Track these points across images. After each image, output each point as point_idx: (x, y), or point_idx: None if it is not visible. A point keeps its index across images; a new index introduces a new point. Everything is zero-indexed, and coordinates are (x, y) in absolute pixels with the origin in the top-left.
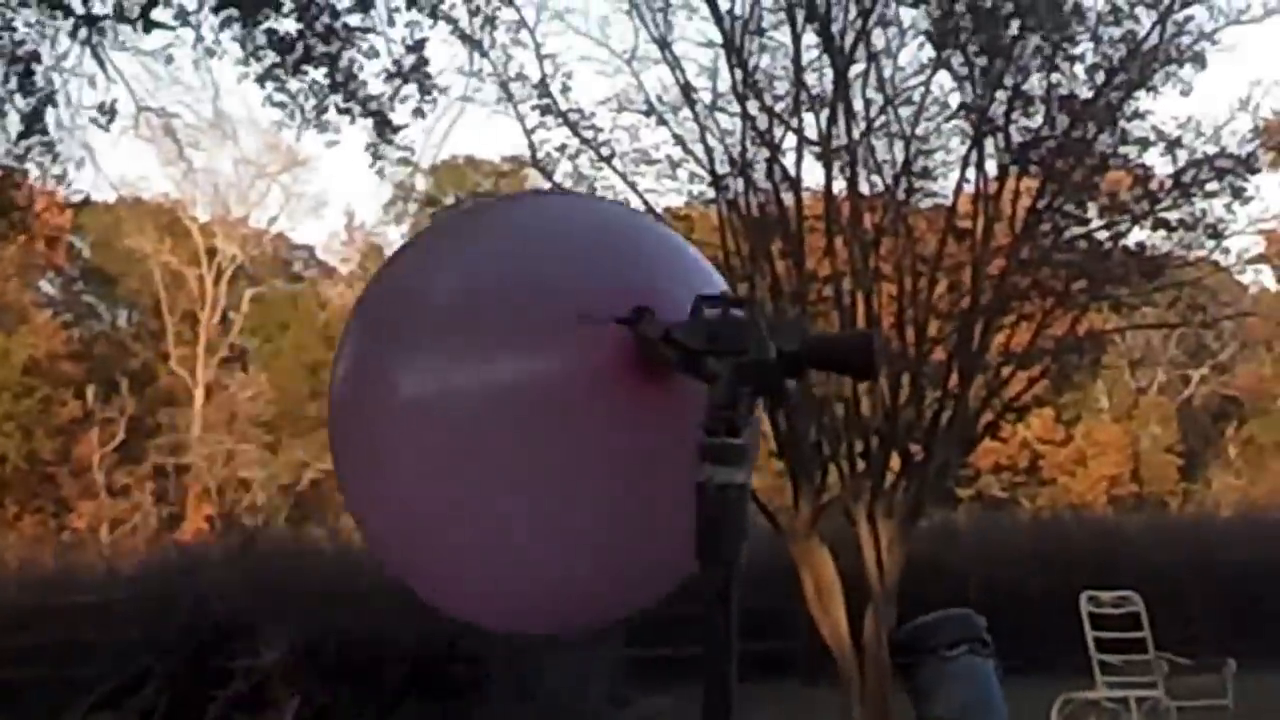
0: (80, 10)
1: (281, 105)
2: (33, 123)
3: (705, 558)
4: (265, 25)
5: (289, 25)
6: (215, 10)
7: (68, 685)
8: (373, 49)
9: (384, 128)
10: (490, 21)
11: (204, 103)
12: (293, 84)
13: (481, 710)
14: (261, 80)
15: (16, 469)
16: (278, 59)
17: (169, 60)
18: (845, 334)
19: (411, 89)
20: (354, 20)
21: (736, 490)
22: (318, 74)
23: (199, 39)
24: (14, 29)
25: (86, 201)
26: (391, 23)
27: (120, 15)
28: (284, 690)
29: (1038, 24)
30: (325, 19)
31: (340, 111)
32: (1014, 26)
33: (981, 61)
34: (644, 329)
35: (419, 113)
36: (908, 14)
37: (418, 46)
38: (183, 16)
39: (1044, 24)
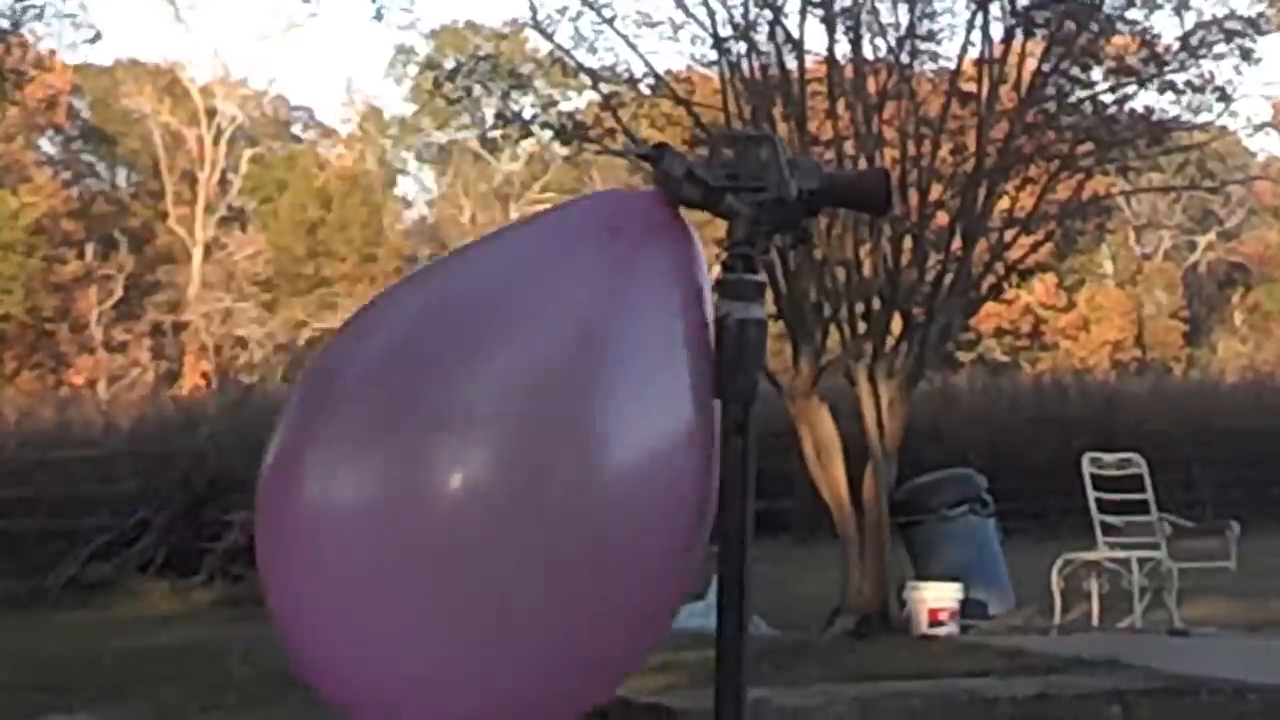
0: None
1: None
2: None
3: (723, 393)
4: None
5: None
6: None
7: (66, 536)
8: None
9: None
10: None
11: None
12: None
13: None
14: None
15: (17, 324)
16: None
17: None
18: (862, 171)
19: None
20: None
21: (755, 326)
22: None
23: None
24: None
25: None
26: None
27: None
28: None
29: None
30: None
31: None
32: None
33: None
34: (666, 165)
35: None
36: None
37: None
38: None
39: None
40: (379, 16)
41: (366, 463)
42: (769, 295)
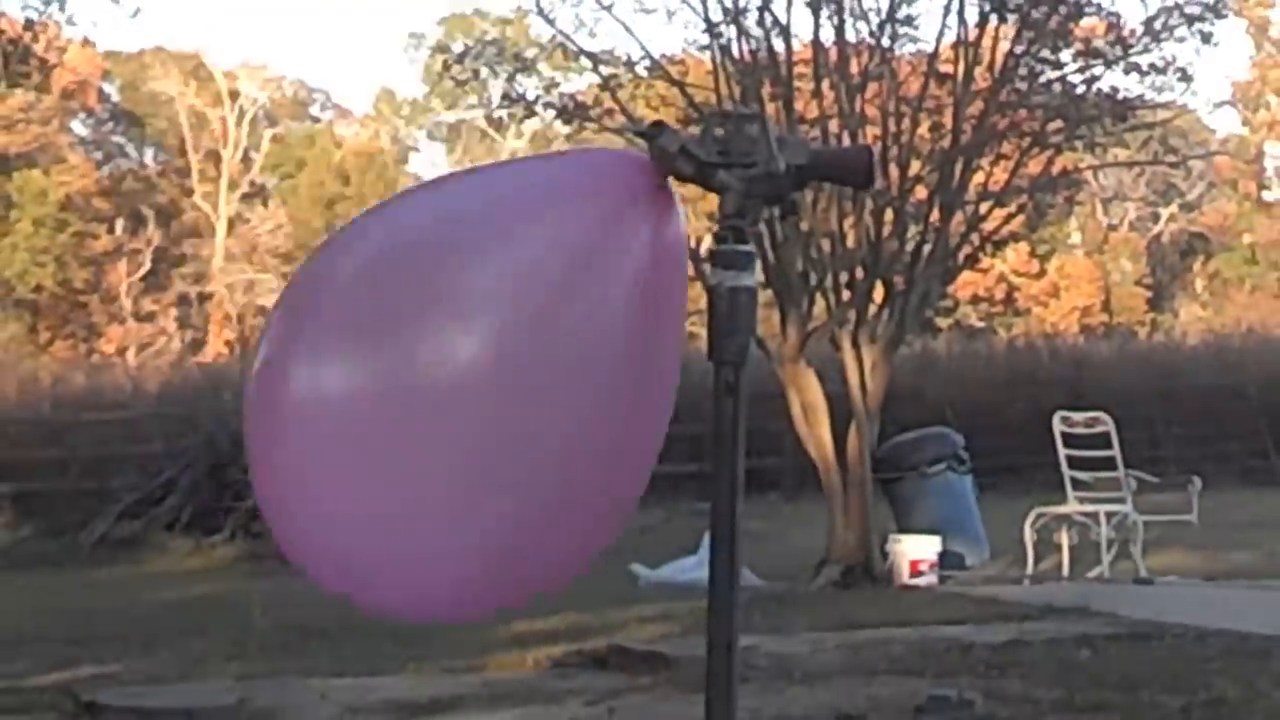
0: None
1: None
2: None
3: (715, 357)
4: None
5: None
6: None
7: (97, 496)
8: None
9: None
10: None
11: None
12: None
13: None
14: None
15: (50, 296)
16: None
17: None
18: (847, 148)
19: None
20: None
21: (746, 294)
22: None
23: None
24: None
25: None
26: None
27: None
28: None
29: None
30: None
31: None
32: None
33: None
34: (662, 142)
35: None
36: None
37: None
38: None
39: None
40: None
41: (355, 350)
42: (758, 266)
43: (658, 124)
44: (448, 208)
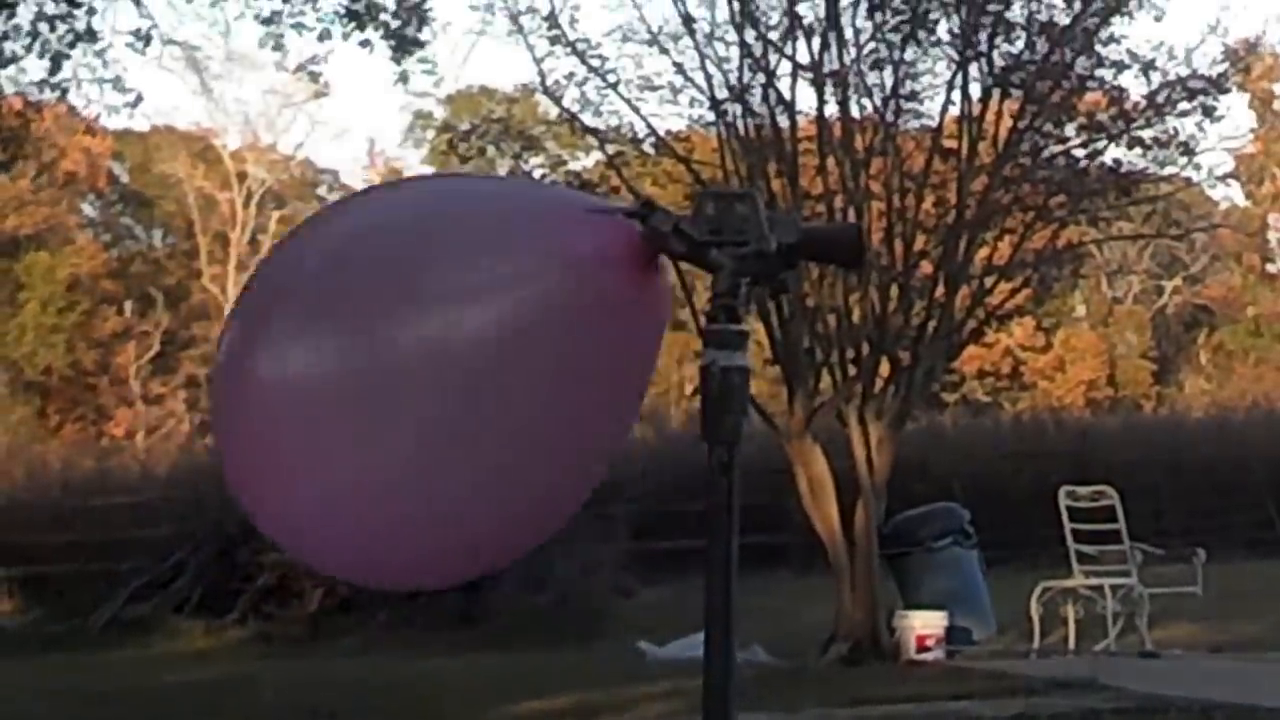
0: None
1: (279, 48)
2: (60, 60)
3: (709, 436)
4: None
5: None
6: None
7: (106, 579)
8: None
9: (404, 46)
10: None
11: (231, 35)
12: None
13: (494, 600)
14: (266, 23)
15: (60, 378)
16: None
17: None
18: (836, 225)
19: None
20: None
21: (738, 373)
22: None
23: None
24: None
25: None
26: None
27: None
28: (308, 582)
29: None
30: None
31: (361, 45)
32: None
33: None
34: (655, 222)
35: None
36: None
37: None
38: None
39: None
40: (404, 79)
41: (319, 336)
42: (766, 342)
43: (649, 203)
44: (427, 206)
